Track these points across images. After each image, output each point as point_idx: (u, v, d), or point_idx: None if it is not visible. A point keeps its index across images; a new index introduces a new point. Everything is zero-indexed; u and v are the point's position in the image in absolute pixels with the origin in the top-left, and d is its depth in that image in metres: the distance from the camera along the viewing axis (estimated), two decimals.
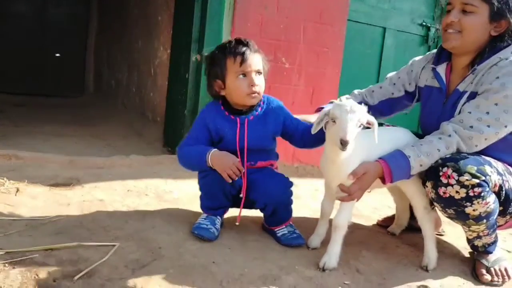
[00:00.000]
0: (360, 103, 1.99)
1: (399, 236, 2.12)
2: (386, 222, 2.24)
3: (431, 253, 1.81)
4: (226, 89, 1.80)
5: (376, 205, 2.59)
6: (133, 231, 1.78)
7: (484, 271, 1.79)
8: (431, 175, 1.67)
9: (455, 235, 2.23)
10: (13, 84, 5.44)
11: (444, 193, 1.63)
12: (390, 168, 1.65)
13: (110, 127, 4.00)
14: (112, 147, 3.27)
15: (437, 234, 2.07)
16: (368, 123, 1.60)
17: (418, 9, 3.84)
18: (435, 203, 1.72)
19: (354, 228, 1.95)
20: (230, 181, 1.74)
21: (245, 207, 1.87)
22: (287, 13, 3.02)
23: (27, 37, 5.62)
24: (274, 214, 1.85)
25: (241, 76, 1.76)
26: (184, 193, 2.39)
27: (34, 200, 2.00)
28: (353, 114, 1.54)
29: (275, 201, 1.82)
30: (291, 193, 1.87)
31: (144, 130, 3.80)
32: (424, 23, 3.84)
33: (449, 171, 1.61)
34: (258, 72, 1.78)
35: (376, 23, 3.63)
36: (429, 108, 1.94)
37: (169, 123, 3.23)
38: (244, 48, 1.76)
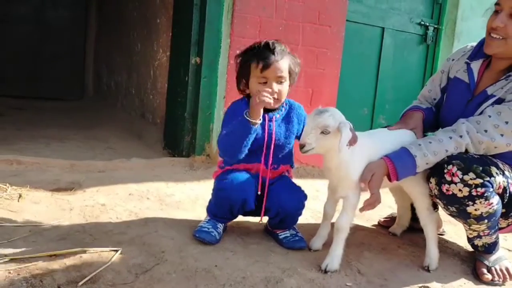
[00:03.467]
0: (428, 108, 2.01)
1: (400, 237, 2.13)
2: (387, 223, 2.25)
3: (433, 254, 1.82)
4: (249, 89, 1.83)
5: None
6: (135, 236, 1.79)
7: (485, 271, 1.79)
8: (435, 172, 1.68)
9: (456, 234, 2.24)
10: (12, 87, 5.43)
11: (447, 190, 1.64)
12: (395, 166, 1.66)
13: (110, 129, 4.00)
14: (112, 150, 3.27)
15: (438, 234, 2.08)
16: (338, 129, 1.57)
17: (416, 8, 3.85)
18: (437, 200, 1.72)
19: (355, 229, 1.96)
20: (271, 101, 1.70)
21: (257, 214, 1.88)
22: (286, 15, 3.02)
23: (25, 40, 5.61)
24: (281, 222, 1.87)
25: (261, 82, 1.78)
26: (185, 196, 2.39)
27: (37, 206, 2.01)
28: (313, 119, 1.57)
29: (286, 213, 1.84)
30: (303, 207, 1.89)
31: (144, 132, 3.80)
32: (423, 23, 3.85)
33: (454, 169, 1.61)
34: (280, 79, 1.78)
35: (375, 23, 3.63)
36: (452, 102, 1.91)
37: (169, 126, 3.24)
38: (268, 54, 1.76)
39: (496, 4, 1.74)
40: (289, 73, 1.81)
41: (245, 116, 1.72)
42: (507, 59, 1.77)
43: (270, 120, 1.83)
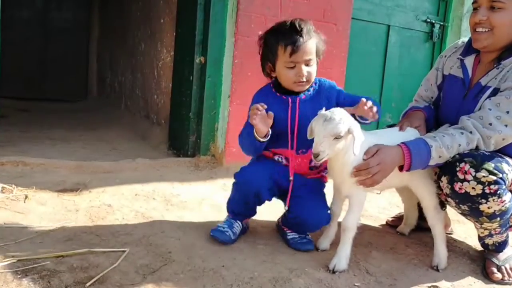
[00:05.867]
0: (426, 107, 2.00)
1: (408, 236, 2.12)
2: (395, 222, 2.23)
3: (441, 253, 1.81)
4: (276, 72, 1.80)
5: (385, 205, 2.59)
6: (142, 236, 1.79)
7: (495, 270, 1.78)
8: (447, 170, 1.66)
9: (465, 234, 2.22)
10: (16, 89, 5.45)
11: (460, 188, 1.62)
12: (411, 153, 1.62)
13: (115, 130, 4.01)
14: (117, 150, 3.27)
15: (446, 234, 2.06)
16: (349, 132, 1.55)
17: (421, 5, 3.83)
18: (449, 199, 1.70)
19: (363, 229, 1.95)
20: (257, 123, 1.69)
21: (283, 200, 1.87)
22: (290, 13, 3.00)
23: (29, 42, 5.63)
24: (295, 228, 1.87)
25: (290, 66, 1.74)
26: (191, 196, 2.39)
27: (43, 207, 2.01)
28: (324, 127, 1.53)
29: (305, 227, 1.85)
30: (322, 226, 1.87)
31: (149, 133, 3.80)
32: (428, 20, 3.82)
33: (467, 167, 1.59)
34: (308, 61, 1.75)
35: (380, 20, 3.62)
36: (449, 99, 1.92)
37: (174, 126, 3.23)
38: (296, 37, 1.71)
39: (474, 2, 1.78)
40: (316, 52, 1.77)
41: (254, 134, 1.72)
42: (495, 51, 1.78)
43: (294, 103, 1.79)
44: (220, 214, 2.14)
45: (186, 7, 3.04)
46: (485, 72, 1.80)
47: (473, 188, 1.59)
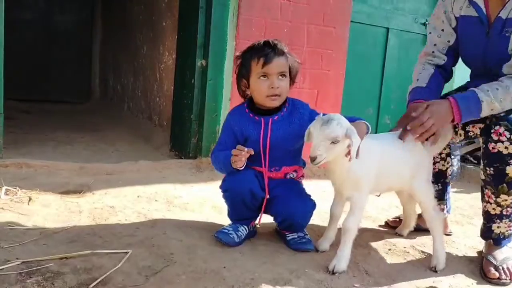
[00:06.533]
0: (435, 73, 1.94)
1: (407, 237, 2.13)
2: (395, 223, 2.25)
3: (439, 254, 1.82)
4: (250, 88, 1.83)
5: (384, 205, 2.61)
6: (144, 238, 1.80)
7: (492, 269, 1.78)
8: (484, 132, 1.76)
9: (464, 235, 2.24)
10: (19, 91, 5.47)
11: (493, 148, 1.71)
12: (460, 108, 1.69)
13: (117, 132, 4.04)
14: (120, 152, 3.30)
15: (445, 235, 2.08)
16: (347, 136, 1.56)
17: (420, 8, 3.85)
18: (481, 160, 1.79)
19: (362, 230, 1.96)
20: (240, 166, 1.75)
21: (266, 211, 1.90)
22: (290, 17, 3.04)
23: (32, 44, 5.67)
24: (289, 227, 1.89)
25: (262, 77, 1.77)
26: (193, 197, 2.41)
27: (47, 209, 2.03)
28: (321, 131, 1.55)
29: (295, 221, 1.85)
30: (311, 216, 1.90)
31: (151, 134, 3.84)
32: (427, 23, 3.84)
33: (501, 129, 1.68)
34: (281, 75, 1.78)
35: (379, 23, 3.64)
36: (470, 40, 1.88)
37: (176, 128, 3.26)
38: (268, 50, 1.76)
39: None
40: (289, 70, 1.81)
41: (231, 163, 1.76)
42: None
43: (267, 124, 1.82)
44: (221, 215, 2.16)
45: (188, 11, 3.07)
46: (500, 5, 1.77)
47: (506, 147, 1.68)
